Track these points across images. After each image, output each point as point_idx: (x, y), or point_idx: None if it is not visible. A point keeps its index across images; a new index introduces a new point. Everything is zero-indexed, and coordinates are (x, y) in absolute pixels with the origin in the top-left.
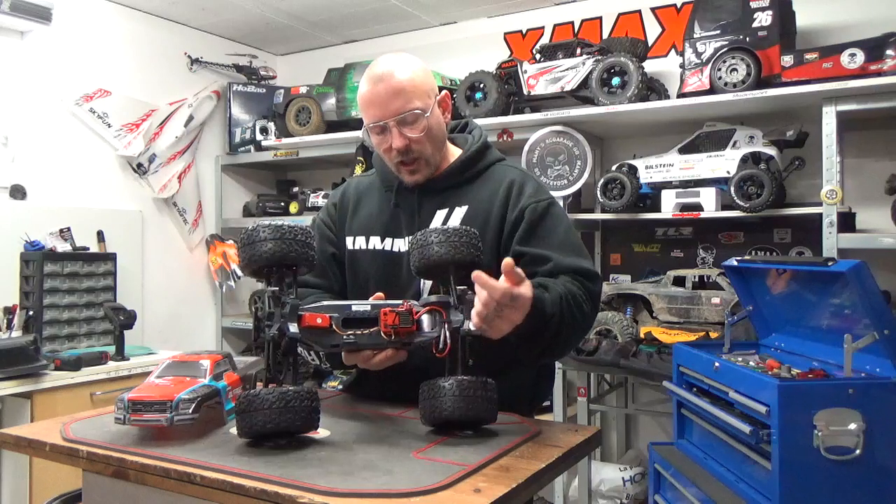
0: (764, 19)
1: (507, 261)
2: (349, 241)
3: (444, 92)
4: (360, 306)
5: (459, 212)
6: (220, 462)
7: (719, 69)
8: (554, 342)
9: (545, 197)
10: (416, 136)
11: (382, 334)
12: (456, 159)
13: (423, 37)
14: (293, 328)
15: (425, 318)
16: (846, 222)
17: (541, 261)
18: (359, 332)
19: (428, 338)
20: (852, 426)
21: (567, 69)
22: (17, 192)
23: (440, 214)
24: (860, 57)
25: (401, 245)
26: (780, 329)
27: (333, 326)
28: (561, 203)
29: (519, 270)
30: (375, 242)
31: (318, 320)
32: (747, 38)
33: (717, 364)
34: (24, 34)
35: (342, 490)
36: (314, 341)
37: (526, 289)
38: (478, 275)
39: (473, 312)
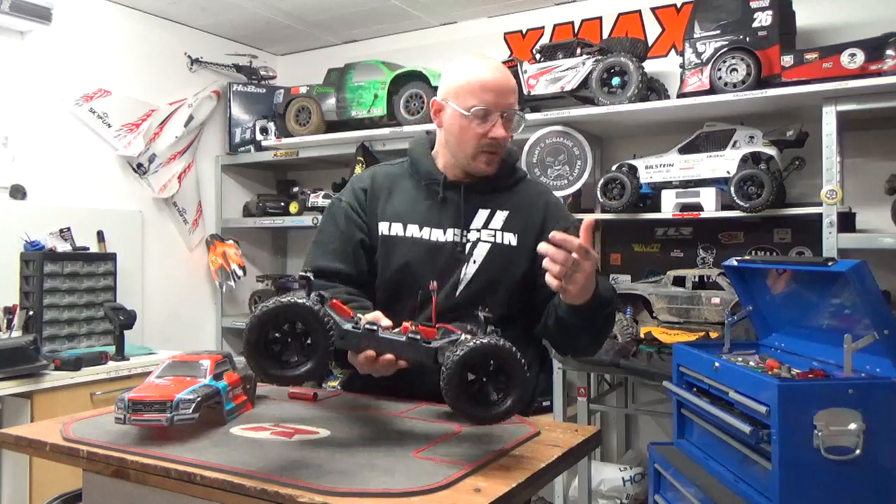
0: (764, 19)
1: (588, 220)
2: (384, 226)
3: None
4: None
5: (501, 215)
6: (220, 462)
7: (719, 69)
8: (605, 325)
9: (574, 218)
10: (510, 135)
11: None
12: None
13: (423, 37)
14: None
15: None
16: (846, 222)
17: None
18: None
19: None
20: (852, 426)
21: (567, 69)
22: (17, 192)
23: (483, 213)
24: (860, 57)
25: (438, 235)
26: (780, 329)
27: (357, 315)
28: (561, 202)
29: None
30: (413, 231)
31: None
32: (747, 38)
33: (717, 364)
34: (24, 34)
35: (342, 490)
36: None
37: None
38: (555, 234)
39: (549, 275)
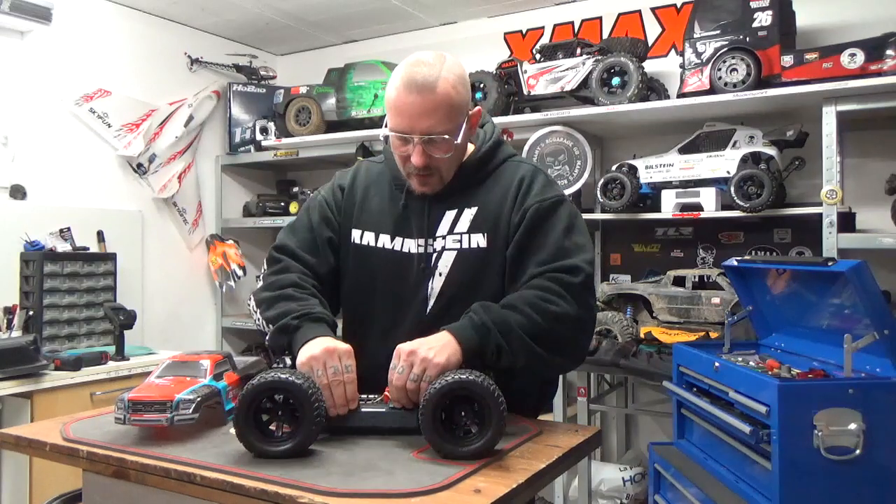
0: (764, 19)
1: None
2: (356, 234)
3: (476, 108)
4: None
5: (468, 213)
6: (220, 462)
7: (719, 69)
8: (518, 345)
9: (551, 195)
10: (439, 157)
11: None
12: (466, 160)
13: (423, 37)
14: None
15: None
16: (846, 222)
17: (517, 276)
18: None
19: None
20: (852, 426)
21: (567, 69)
22: (17, 192)
23: (449, 216)
24: (860, 57)
25: (411, 246)
26: (780, 329)
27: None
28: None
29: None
30: (385, 241)
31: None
32: (747, 38)
33: (717, 364)
34: (24, 34)
35: (342, 490)
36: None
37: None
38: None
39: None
